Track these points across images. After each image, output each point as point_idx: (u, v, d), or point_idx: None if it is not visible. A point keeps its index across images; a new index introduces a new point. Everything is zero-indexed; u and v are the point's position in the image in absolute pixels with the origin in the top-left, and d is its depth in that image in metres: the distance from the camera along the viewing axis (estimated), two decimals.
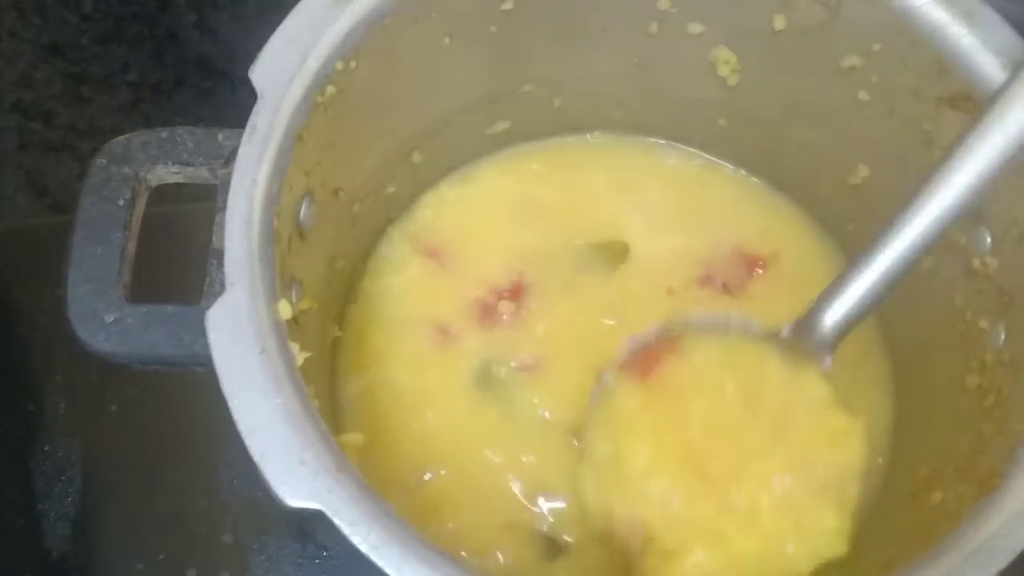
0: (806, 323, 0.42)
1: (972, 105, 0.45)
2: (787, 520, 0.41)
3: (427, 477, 0.51)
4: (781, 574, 0.41)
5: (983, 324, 0.47)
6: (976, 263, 0.47)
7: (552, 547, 0.50)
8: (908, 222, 0.39)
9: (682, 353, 0.44)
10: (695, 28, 0.53)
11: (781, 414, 0.42)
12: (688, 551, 0.41)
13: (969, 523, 0.38)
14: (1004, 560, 0.37)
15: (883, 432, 0.54)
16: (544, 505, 0.50)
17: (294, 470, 0.36)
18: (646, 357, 0.44)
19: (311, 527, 0.57)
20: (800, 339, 0.42)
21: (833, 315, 0.41)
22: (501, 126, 0.58)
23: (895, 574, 0.38)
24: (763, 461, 0.41)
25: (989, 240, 0.46)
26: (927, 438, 0.50)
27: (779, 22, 0.50)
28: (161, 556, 0.56)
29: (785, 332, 0.43)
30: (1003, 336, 0.45)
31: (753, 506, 0.41)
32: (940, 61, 0.45)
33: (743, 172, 0.61)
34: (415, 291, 0.56)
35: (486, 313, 0.55)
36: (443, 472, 0.51)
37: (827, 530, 0.41)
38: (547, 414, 0.52)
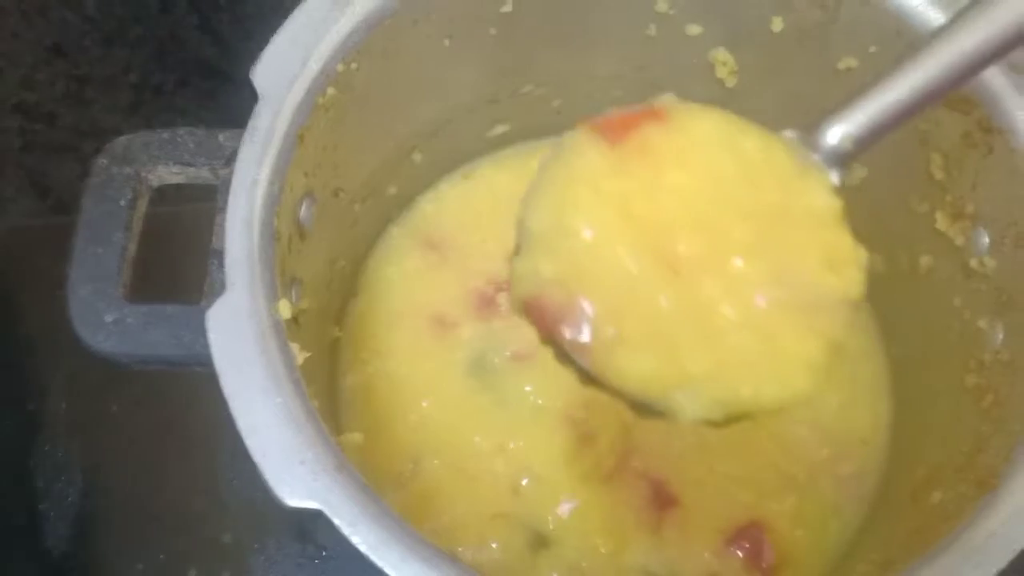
0: (814, 133, 0.36)
1: (969, 106, 0.45)
2: (755, 336, 0.34)
3: (421, 467, 0.51)
4: (733, 399, 0.34)
5: (981, 324, 0.47)
6: (974, 263, 0.47)
7: (537, 539, 0.50)
8: (935, 48, 0.35)
9: (671, 121, 0.36)
10: (693, 30, 0.53)
11: (776, 216, 0.35)
12: (631, 344, 0.33)
13: (968, 523, 0.38)
14: (1004, 559, 0.37)
15: (882, 432, 0.54)
16: (531, 491, 0.51)
17: (294, 470, 0.36)
18: (623, 119, 0.36)
19: (311, 527, 0.57)
20: (808, 145, 0.36)
21: (845, 126, 0.36)
22: (501, 126, 0.59)
23: (895, 574, 0.38)
24: (743, 261, 0.34)
25: (987, 240, 0.46)
26: (926, 438, 0.50)
27: (777, 24, 0.50)
28: (161, 556, 0.56)
29: (790, 134, 0.37)
30: (1001, 336, 0.45)
31: (718, 309, 0.34)
32: None
33: None
34: (415, 281, 0.56)
35: (484, 304, 0.55)
36: (436, 462, 0.51)
37: (800, 360, 0.34)
38: (538, 401, 0.53)
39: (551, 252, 0.35)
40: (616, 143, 0.36)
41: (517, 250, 0.36)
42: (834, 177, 0.36)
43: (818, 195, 0.36)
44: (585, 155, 0.36)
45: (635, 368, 0.34)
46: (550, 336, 0.35)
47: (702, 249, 0.34)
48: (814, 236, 0.35)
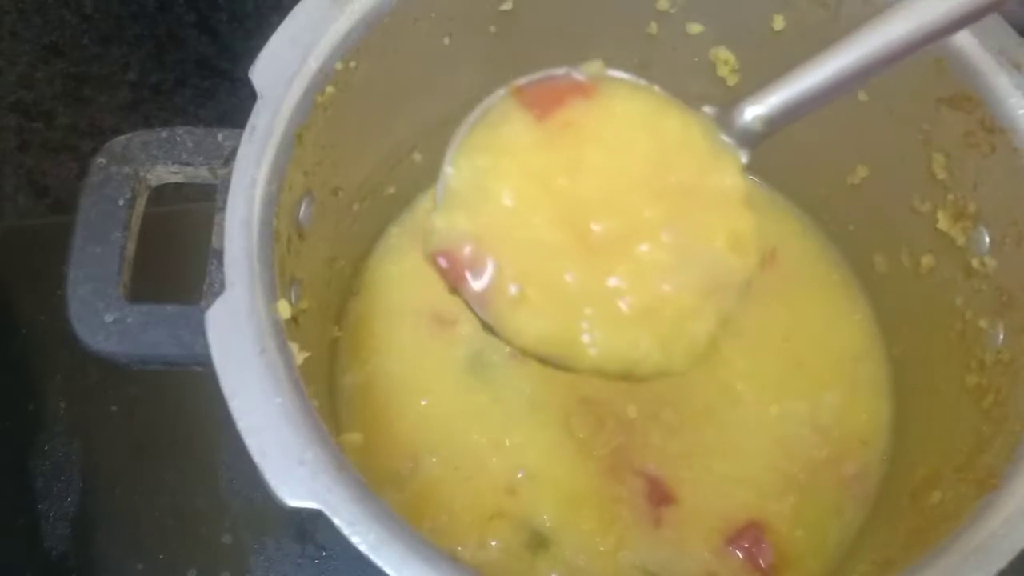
0: (730, 111, 0.38)
1: (971, 105, 0.45)
2: (653, 320, 0.36)
3: (420, 466, 0.51)
4: (618, 369, 0.37)
5: (982, 324, 0.47)
6: (975, 263, 0.47)
7: (536, 538, 0.50)
8: (856, 40, 0.37)
9: (597, 98, 0.39)
10: (694, 28, 0.53)
11: (688, 195, 0.37)
12: (532, 307, 0.36)
13: (968, 523, 0.38)
14: (1004, 560, 0.37)
15: (882, 432, 0.54)
16: (527, 488, 0.51)
17: (293, 470, 0.36)
18: (551, 93, 0.39)
19: (310, 527, 0.57)
20: (722, 124, 0.39)
21: (759, 107, 0.38)
22: None
23: (895, 574, 0.38)
24: (652, 244, 0.36)
25: (988, 240, 0.46)
26: (926, 438, 0.50)
27: (778, 22, 0.50)
28: (161, 556, 0.56)
29: (708, 111, 0.39)
30: (1002, 336, 0.45)
31: (623, 291, 0.36)
32: (939, 61, 0.46)
33: None
34: (414, 279, 0.56)
35: None
36: (434, 459, 0.52)
37: (689, 342, 0.37)
38: (536, 398, 0.53)
39: (470, 211, 0.37)
40: (542, 118, 0.38)
41: (436, 205, 0.38)
42: (744, 157, 0.38)
43: (728, 175, 0.38)
44: (512, 126, 0.38)
45: (532, 329, 0.37)
46: (455, 287, 0.37)
47: (615, 228, 0.36)
48: (721, 216, 0.37)
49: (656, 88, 0.40)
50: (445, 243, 0.37)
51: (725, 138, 0.38)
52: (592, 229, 0.37)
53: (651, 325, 0.36)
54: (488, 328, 0.38)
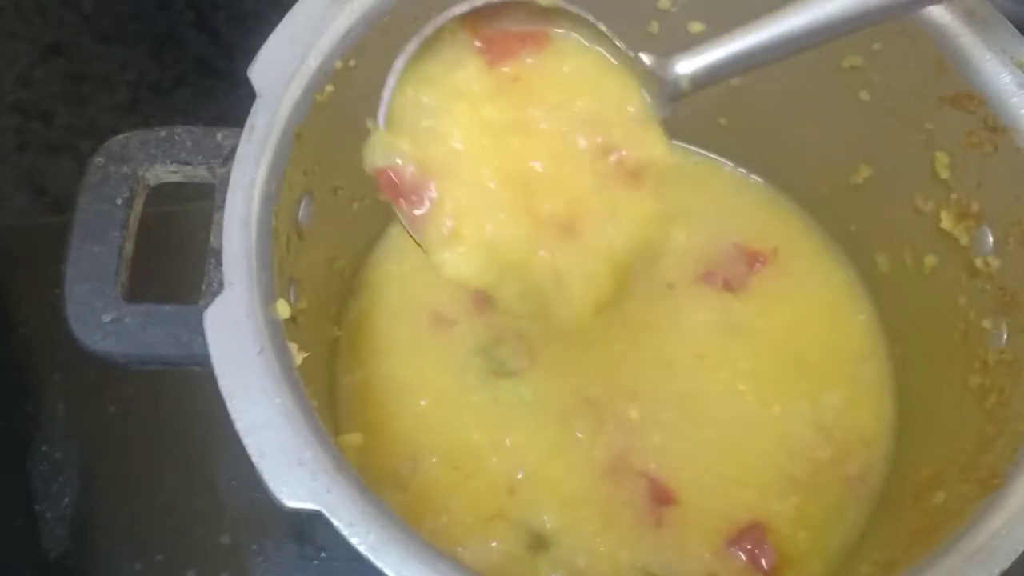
0: (663, 63, 0.41)
1: (974, 104, 0.45)
2: (571, 259, 0.40)
3: (420, 466, 0.51)
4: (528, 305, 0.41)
5: (985, 324, 0.47)
6: (978, 263, 0.47)
7: (536, 540, 0.50)
8: (787, 13, 0.40)
9: (548, 53, 0.41)
10: (695, 27, 0.52)
11: (618, 166, 0.41)
12: (465, 244, 0.39)
13: (971, 523, 0.38)
14: (1007, 560, 0.37)
15: (885, 432, 0.54)
16: (527, 488, 0.51)
17: (292, 470, 0.35)
18: (505, 42, 0.41)
19: (309, 528, 0.57)
20: (656, 75, 0.41)
21: (688, 65, 0.41)
22: None
23: (898, 574, 0.38)
24: (589, 201, 0.40)
25: (991, 240, 0.46)
26: (929, 438, 0.50)
27: None
28: (159, 557, 0.56)
29: (648, 62, 0.41)
30: (1005, 336, 0.45)
31: (558, 263, 0.40)
32: (941, 60, 0.45)
33: (743, 171, 0.61)
34: (414, 278, 0.56)
35: (482, 300, 0.55)
36: (434, 460, 0.51)
37: (604, 296, 0.41)
38: (536, 398, 0.53)
39: (415, 140, 0.40)
40: (494, 65, 0.40)
41: (378, 124, 0.40)
42: (668, 110, 0.42)
43: (658, 146, 0.42)
44: (465, 68, 0.41)
45: (457, 266, 0.40)
46: (394, 202, 0.40)
47: (558, 204, 0.40)
48: (642, 189, 0.41)
49: (602, 27, 0.41)
50: (387, 161, 0.39)
51: (648, 97, 0.41)
52: (534, 194, 0.39)
53: (563, 286, 0.40)
54: (418, 244, 0.40)
